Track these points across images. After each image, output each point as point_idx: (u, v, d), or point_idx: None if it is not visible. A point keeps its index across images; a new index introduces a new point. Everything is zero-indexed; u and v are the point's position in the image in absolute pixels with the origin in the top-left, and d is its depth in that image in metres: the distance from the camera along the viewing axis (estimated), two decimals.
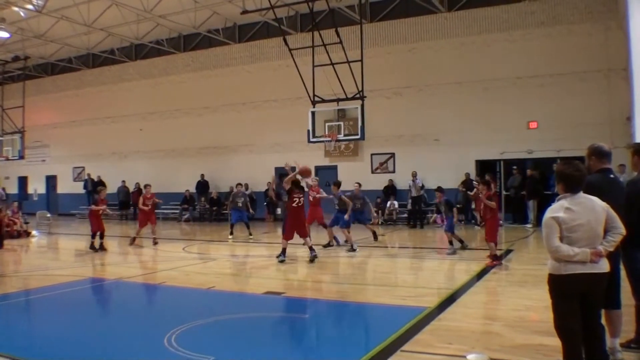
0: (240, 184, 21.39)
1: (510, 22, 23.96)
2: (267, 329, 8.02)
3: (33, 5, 25.97)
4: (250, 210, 21.28)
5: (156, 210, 19.89)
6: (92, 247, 17.30)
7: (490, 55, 24.29)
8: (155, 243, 18.51)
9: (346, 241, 16.54)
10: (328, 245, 17.09)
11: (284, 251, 14.22)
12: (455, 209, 15.81)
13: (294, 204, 14.42)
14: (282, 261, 13.99)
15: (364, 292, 10.62)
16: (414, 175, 23.97)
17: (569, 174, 5.20)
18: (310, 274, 13.03)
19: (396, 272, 13.20)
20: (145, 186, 19.47)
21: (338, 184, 17.59)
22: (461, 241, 15.88)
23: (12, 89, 34.41)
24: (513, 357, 6.22)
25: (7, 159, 31.70)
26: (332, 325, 8.57)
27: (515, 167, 23.54)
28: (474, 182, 22.14)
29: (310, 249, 14.24)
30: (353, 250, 15.92)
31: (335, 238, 17.38)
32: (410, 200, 24.16)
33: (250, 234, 20.13)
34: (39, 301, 10.65)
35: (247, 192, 28.93)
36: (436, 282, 11.57)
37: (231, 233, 20.28)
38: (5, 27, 28.07)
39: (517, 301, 9.09)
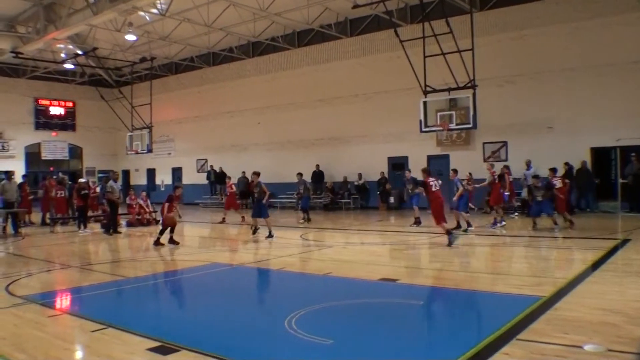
0: (300, 174, 23.93)
1: (627, 5, 22.63)
2: (382, 314, 8.09)
3: (157, 9, 27.12)
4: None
5: (273, 199, 21.03)
6: (157, 242, 16.27)
7: (605, 40, 23.01)
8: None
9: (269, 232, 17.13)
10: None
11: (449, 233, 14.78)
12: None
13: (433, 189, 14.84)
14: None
15: (478, 280, 10.51)
16: (528, 163, 23.13)
17: None
18: (424, 262, 13.05)
19: (510, 260, 12.96)
20: (175, 188, 18.20)
21: (257, 173, 18.13)
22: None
23: (140, 87, 36.01)
24: (632, 349, 6.01)
25: (137, 153, 33.10)
26: (447, 313, 8.54)
27: (633, 154, 22.36)
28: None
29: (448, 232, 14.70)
30: (271, 236, 16.92)
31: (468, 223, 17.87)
32: (525, 189, 23.40)
33: (303, 219, 22.39)
34: (166, 284, 11.24)
35: (361, 182, 29.24)
36: (551, 271, 11.29)
37: (307, 219, 22.52)
38: (133, 30, 29.43)
39: (636, 292, 8.74)
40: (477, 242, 15.56)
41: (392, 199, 28.23)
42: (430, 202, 14.95)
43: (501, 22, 25.64)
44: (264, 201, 17.16)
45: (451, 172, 18.98)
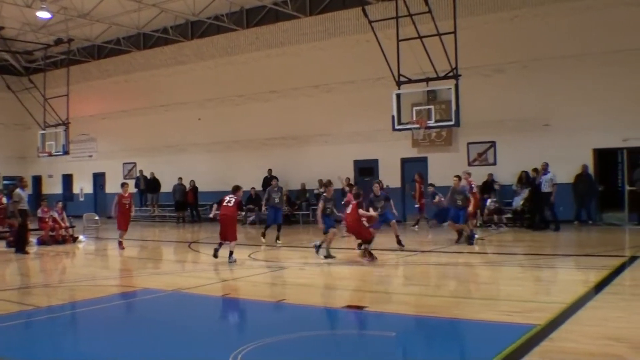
0: (275, 178, 22.39)
1: None
2: (347, 349, 8.08)
3: None
4: (285, 207, 23.11)
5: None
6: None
7: (613, 23, 23.34)
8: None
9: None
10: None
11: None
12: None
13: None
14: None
15: (460, 306, 10.57)
16: (545, 167, 22.67)
17: None
18: (397, 285, 13.11)
19: (498, 282, 13.08)
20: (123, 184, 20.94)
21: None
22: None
23: (55, 75, 35.53)
24: None
25: (50, 155, 32.57)
26: (424, 345, 8.56)
27: None
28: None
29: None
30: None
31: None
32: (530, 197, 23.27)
33: (278, 239, 20.94)
34: (86, 315, 10.99)
35: (322, 190, 29.17)
36: (547, 294, 11.41)
37: (263, 235, 21.31)
38: (47, 6, 28.93)
39: None
40: (458, 261, 15.68)
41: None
42: (220, 216, 16.27)
43: (489, 0, 25.90)
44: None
45: (457, 178, 19.18)
